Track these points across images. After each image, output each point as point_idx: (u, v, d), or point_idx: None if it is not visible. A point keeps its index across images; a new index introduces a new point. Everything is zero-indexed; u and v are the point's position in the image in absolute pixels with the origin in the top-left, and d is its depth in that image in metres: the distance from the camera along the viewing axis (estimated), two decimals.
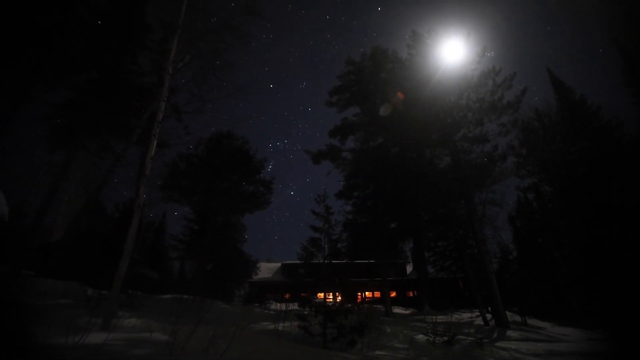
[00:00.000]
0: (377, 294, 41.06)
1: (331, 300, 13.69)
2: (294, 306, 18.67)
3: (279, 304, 22.45)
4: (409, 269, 45.88)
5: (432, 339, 13.22)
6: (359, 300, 38.91)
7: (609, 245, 23.68)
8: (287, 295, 38.20)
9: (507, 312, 23.10)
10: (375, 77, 31.83)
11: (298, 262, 28.72)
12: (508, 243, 36.56)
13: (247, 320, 13.67)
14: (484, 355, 11.43)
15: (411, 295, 42.20)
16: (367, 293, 42.45)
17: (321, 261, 14.52)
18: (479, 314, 23.37)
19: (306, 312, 11.47)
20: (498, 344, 14.51)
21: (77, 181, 24.80)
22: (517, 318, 25.74)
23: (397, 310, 30.31)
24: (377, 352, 10.46)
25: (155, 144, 10.35)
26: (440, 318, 18.78)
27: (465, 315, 26.21)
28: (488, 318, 22.19)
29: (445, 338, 13.10)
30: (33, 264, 20.68)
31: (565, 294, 33.39)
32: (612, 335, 19.57)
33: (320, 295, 15.49)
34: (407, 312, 30.34)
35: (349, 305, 12.10)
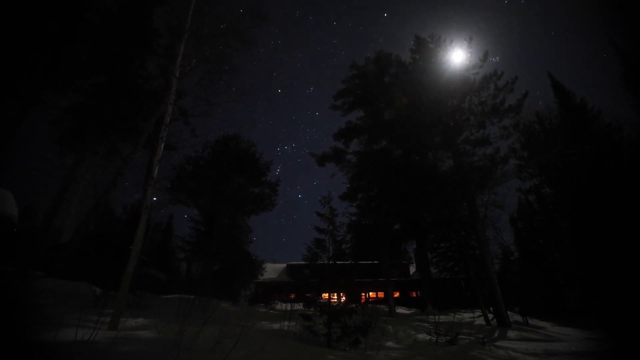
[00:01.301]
0: (381, 294, 41.33)
1: (335, 300, 13.86)
2: (299, 306, 18.92)
3: (284, 304, 22.70)
4: (412, 269, 45.95)
5: (434, 338, 13.44)
6: (362, 301, 39.12)
7: (609, 246, 23.86)
8: (292, 296, 38.41)
9: (509, 312, 23.34)
10: (379, 81, 31.97)
11: (303, 262, 28.97)
12: (509, 244, 36.90)
13: (253, 320, 13.81)
14: (483, 355, 11.62)
15: (414, 295, 42.36)
16: (371, 293, 42.63)
17: (326, 262, 14.65)
18: (480, 313, 23.59)
19: (311, 312, 11.60)
20: (498, 343, 14.69)
21: (85, 183, 25.05)
22: (519, 318, 25.87)
23: (400, 310, 30.51)
24: (381, 352, 10.62)
25: (162, 146, 10.52)
26: (443, 318, 18.99)
27: (467, 315, 26.42)
28: (490, 318, 22.41)
29: (448, 337, 13.31)
30: (42, 265, 20.99)
31: (565, 294, 33.60)
32: (611, 335, 19.74)
33: (325, 295, 15.72)
34: (410, 312, 30.54)
35: (353, 305, 12.30)
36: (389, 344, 12.67)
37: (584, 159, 28.67)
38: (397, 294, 40.04)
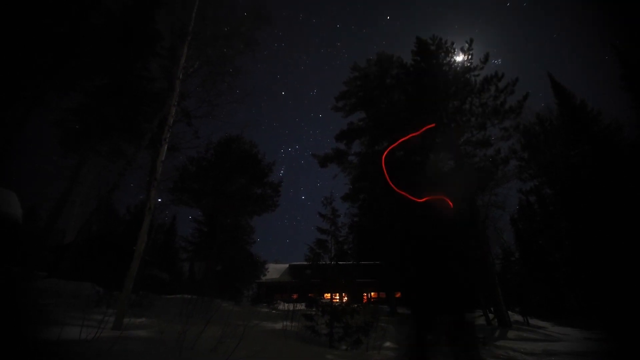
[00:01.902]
0: (383, 295, 41.34)
1: (337, 300, 13.94)
2: (301, 306, 18.97)
3: (286, 304, 22.75)
4: None
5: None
6: (364, 301, 39.18)
7: (609, 247, 23.92)
8: (295, 296, 38.32)
9: (510, 312, 23.38)
10: (380, 83, 32.10)
11: (305, 263, 29.03)
12: (510, 244, 37.00)
13: (255, 320, 13.83)
14: (483, 354, 11.66)
15: None
16: (372, 293, 42.65)
17: (328, 262, 14.72)
18: (481, 313, 23.65)
19: (313, 312, 11.63)
20: (498, 343, 14.74)
21: (89, 184, 25.15)
22: (519, 318, 25.88)
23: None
24: (382, 351, 10.72)
25: (165, 147, 10.56)
26: None
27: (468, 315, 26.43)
28: (490, 318, 22.46)
29: None
30: (46, 265, 21.05)
31: (565, 294, 33.69)
32: (611, 335, 19.77)
33: (327, 295, 15.87)
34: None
35: (355, 305, 12.36)
36: (390, 343, 12.74)
37: (584, 159, 28.72)
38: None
